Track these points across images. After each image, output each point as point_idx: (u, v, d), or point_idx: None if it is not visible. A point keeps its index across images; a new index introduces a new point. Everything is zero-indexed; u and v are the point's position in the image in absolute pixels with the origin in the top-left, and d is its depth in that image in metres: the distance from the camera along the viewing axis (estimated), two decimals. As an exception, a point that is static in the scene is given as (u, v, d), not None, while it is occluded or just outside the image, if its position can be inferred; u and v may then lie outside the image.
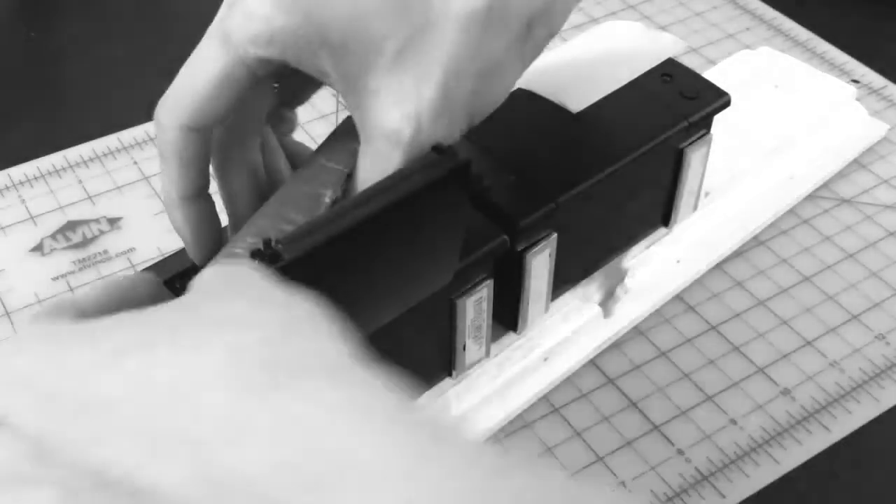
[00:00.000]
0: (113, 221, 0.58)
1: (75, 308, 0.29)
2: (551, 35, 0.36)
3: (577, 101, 0.40)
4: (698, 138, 0.47)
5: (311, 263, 0.30)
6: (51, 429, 0.22)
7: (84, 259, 0.55)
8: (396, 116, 0.32)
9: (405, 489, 0.20)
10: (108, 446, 0.21)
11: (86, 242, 0.56)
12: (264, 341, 0.23)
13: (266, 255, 0.29)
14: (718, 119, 0.48)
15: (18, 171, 0.61)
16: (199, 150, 0.35)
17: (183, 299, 0.26)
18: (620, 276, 0.51)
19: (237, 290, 0.26)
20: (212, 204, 0.37)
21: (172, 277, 0.37)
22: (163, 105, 0.35)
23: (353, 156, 0.33)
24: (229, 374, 0.22)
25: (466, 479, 0.20)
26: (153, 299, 0.31)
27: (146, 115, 0.64)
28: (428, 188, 0.32)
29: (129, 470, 0.21)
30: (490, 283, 0.40)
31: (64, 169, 0.61)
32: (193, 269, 0.36)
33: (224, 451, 0.21)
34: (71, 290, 0.54)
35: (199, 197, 0.36)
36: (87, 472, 0.21)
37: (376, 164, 0.33)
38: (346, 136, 0.34)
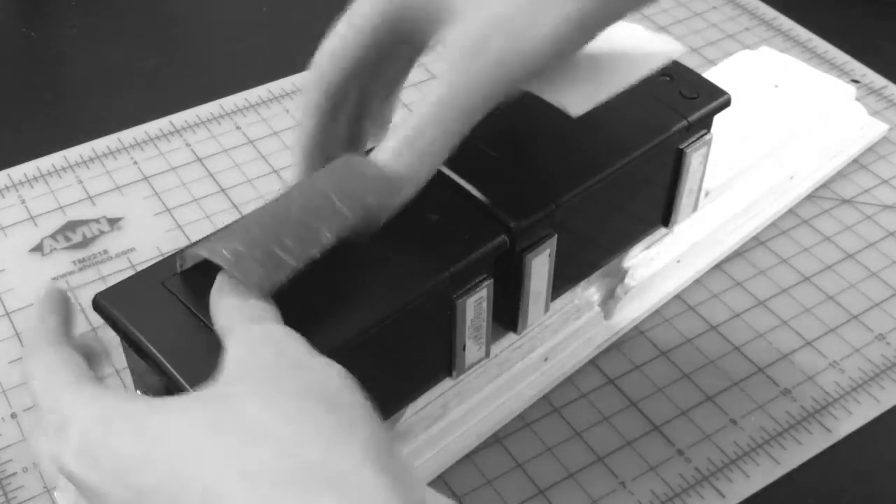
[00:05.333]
0: (113, 221, 0.58)
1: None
2: None
3: (576, 105, 0.40)
4: (698, 138, 0.47)
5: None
6: None
7: (84, 259, 0.55)
8: (477, 25, 0.33)
9: None
10: None
11: (86, 242, 0.56)
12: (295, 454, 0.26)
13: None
14: (718, 119, 0.48)
15: (18, 171, 0.61)
16: (339, 83, 0.38)
17: (225, 390, 0.29)
18: (620, 276, 0.51)
19: (277, 377, 0.29)
20: (333, 137, 0.40)
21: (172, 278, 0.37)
22: (322, 47, 0.38)
23: (364, 209, 0.34)
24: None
25: None
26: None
27: (146, 116, 0.64)
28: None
29: None
30: (490, 283, 0.40)
31: (64, 169, 0.61)
32: (192, 270, 0.36)
33: None
34: (71, 289, 0.54)
35: (325, 128, 0.39)
36: None
37: (453, 80, 0.33)
38: (360, 179, 0.34)
